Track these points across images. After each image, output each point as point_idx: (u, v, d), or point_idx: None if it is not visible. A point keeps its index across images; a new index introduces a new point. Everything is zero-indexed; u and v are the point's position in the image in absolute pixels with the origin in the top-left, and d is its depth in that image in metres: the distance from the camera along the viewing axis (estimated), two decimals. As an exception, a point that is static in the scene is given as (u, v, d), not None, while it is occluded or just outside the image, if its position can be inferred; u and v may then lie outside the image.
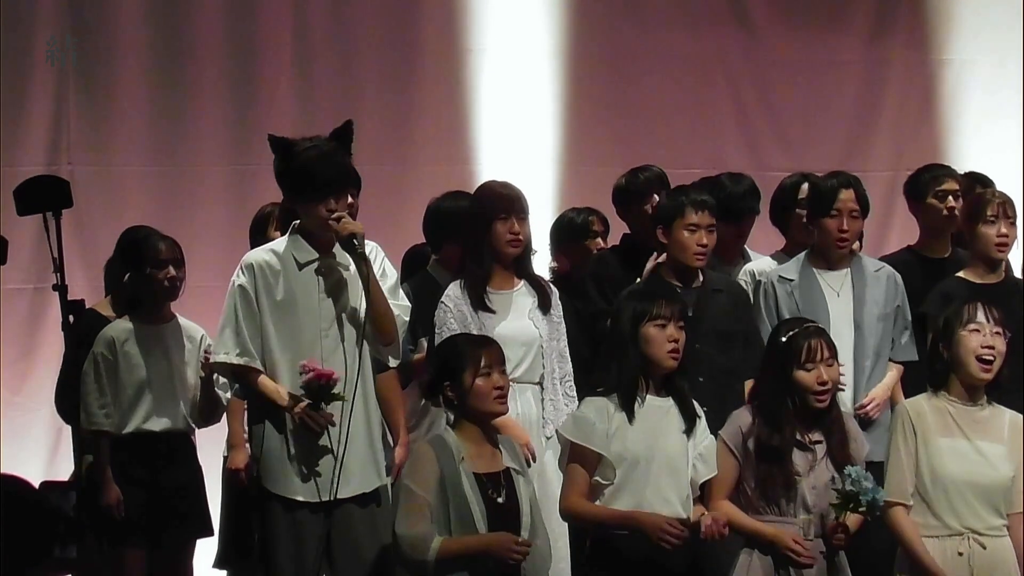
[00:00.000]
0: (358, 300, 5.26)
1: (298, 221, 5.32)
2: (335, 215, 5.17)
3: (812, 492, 5.04)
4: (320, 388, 5.10)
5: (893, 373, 6.03)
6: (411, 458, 5.02)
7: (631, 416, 4.98)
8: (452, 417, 5.04)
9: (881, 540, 5.25)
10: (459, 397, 4.96)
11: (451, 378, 4.97)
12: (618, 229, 6.74)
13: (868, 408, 5.90)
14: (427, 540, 4.79)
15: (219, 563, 6.39)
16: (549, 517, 5.18)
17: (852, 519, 5.00)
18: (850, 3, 8.73)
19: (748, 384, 5.74)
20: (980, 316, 5.25)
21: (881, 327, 6.00)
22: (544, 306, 5.74)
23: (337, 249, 5.28)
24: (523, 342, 5.66)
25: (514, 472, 4.97)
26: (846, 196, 6.00)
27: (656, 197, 6.20)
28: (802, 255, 6.10)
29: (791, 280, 6.00)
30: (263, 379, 5.21)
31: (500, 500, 4.89)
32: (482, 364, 4.94)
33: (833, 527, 5.00)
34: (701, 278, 5.85)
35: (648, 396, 5.03)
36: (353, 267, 5.23)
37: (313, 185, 5.16)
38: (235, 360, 5.20)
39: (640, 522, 4.89)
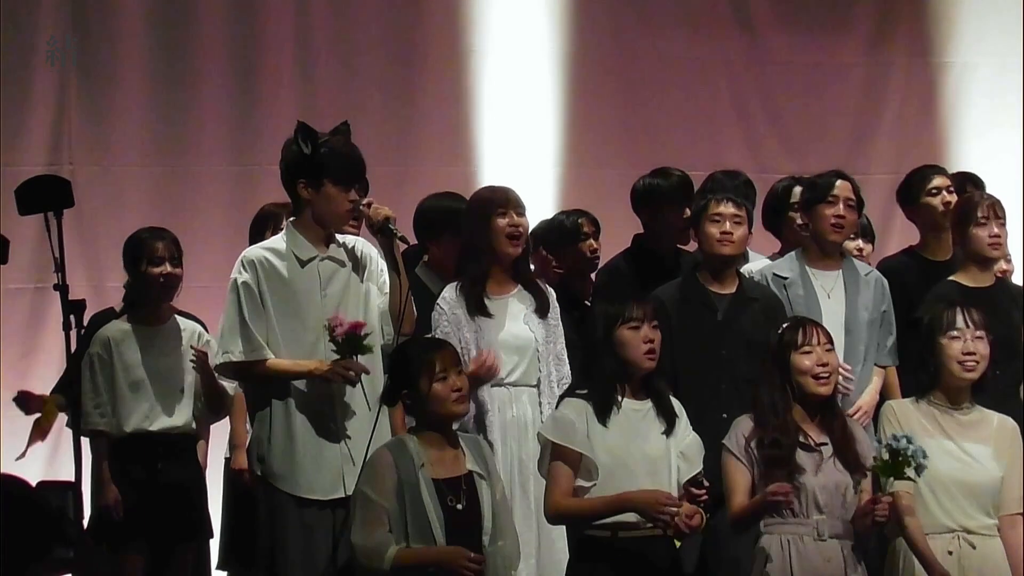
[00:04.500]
0: (359, 297, 5.27)
1: (294, 219, 5.32)
2: (365, 201, 5.22)
3: (823, 492, 5.01)
4: (356, 339, 5.12)
5: (877, 379, 6.04)
6: (369, 464, 4.93)
7: (605, 422, 4.94)
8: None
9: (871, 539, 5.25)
10: (418, 404, 4.92)
11: (408, 385, 4.92)
12: (618, 232, 6.74)
13: (857, 417, 5.88)
14: (382, 549, 4.75)
15: (221, 564, 6.39)
16: (543, 518, 5.17)
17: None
18: (852, 6, 8.74)
19: None
20: (959, 322, 5.26)
21: (869, 331, 6.01)
22: (542, 311, 5.71)
23: (335, 246, 5.29)
24: (517, 347, 5.62)
25: (477, 476, 4.91)
26: (842, 185, 6.04)
27: (688, 211, 6.20)
28: (795, 253, 6.11)
29: (785, 278, 6.01)
30: (272, 361, 5.20)
31: (460, 507, 4.84)
32: (437, 369, 4.88)
33: (873, 500, 4.95)
34: (736, 284, 5.87)
35: (626, 400, 5.00)
36: (350, 264, 5.28)
37: (344, 170, 5.21)
38: (241, 359, 5.20)
39: (634, 501, 4.84)
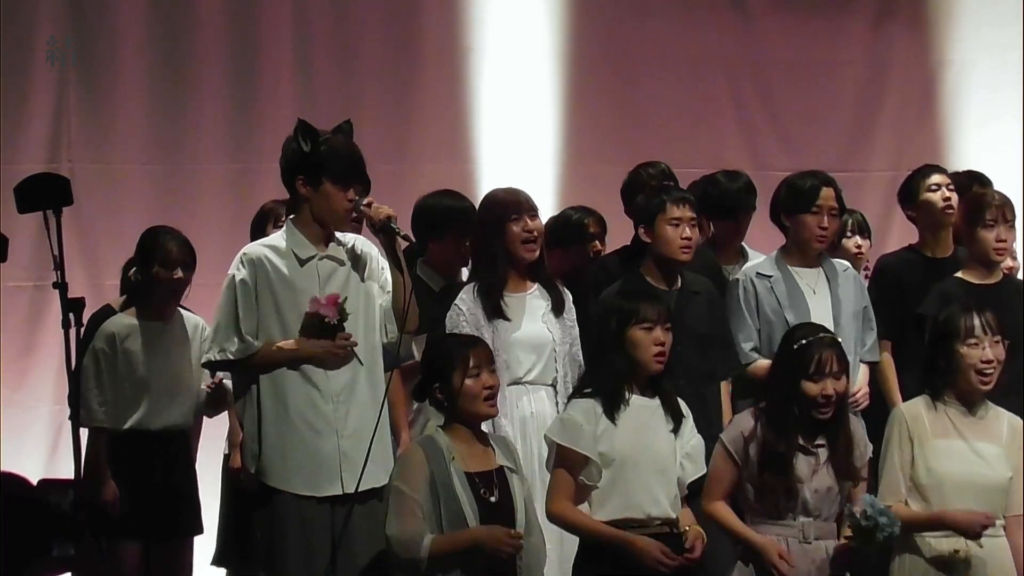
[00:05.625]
0: (358, 295, 5.27)
1: (294, 217, 5.33)
2: (365, 200, 5.22)
3: (814, 496, 5.03)
4: (341, 310, 5.14)
5: (864, 372, 6.08)
6: (400, 459, 4.98)
7: (614, 419, 4.95)
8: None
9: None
10: (448, 399, 4.94)
11: (440, 380, 4.94)
12: (618, 229, 6.74)
13: (857, 397, 5.93)
14: (418, 539, 4.76)
15: (217, 561, 6.38)
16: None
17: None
18: (851, 3, 8.74)
19: (724, 385, 5.80)
20: (978, 329, 5.21)
21: (855, 324, 6.04)
22: (558, 309, 5.73)
23: (334, 245, 5.30)
24: (536, 346, 5.66)
25: (508, 470, 4.94)
26: (827, 194, 6.04)
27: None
28: (775, 253, 6.12)
29: (770, 276, 6.02)
30: (263, 350, 5.19)
31: (493, 499, 4.87)
32: (471, 365, 4.90)
33: (843, 553, 4.99)
34: (680, 280, 5.85)
35: (634, 397, 5.01)
36: (349, 263, 5.27)
37: (343, 169, 5.20)
38: (236, 356, 5.20)
39: (634, 546, 4.85)
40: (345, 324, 5.18)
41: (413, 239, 5.32)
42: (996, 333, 5.23)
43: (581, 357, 5.72)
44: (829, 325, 5.86)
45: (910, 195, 6.51)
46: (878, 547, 4.98)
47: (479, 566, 4.79)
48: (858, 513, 4.91)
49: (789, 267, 6.05)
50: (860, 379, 6.03)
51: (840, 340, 5.86)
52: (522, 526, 4.89)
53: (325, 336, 5.17)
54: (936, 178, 6.43)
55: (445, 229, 6.05)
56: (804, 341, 5.10)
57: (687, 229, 5.77)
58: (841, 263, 6.20)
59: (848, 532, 4.98)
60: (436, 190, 6.33)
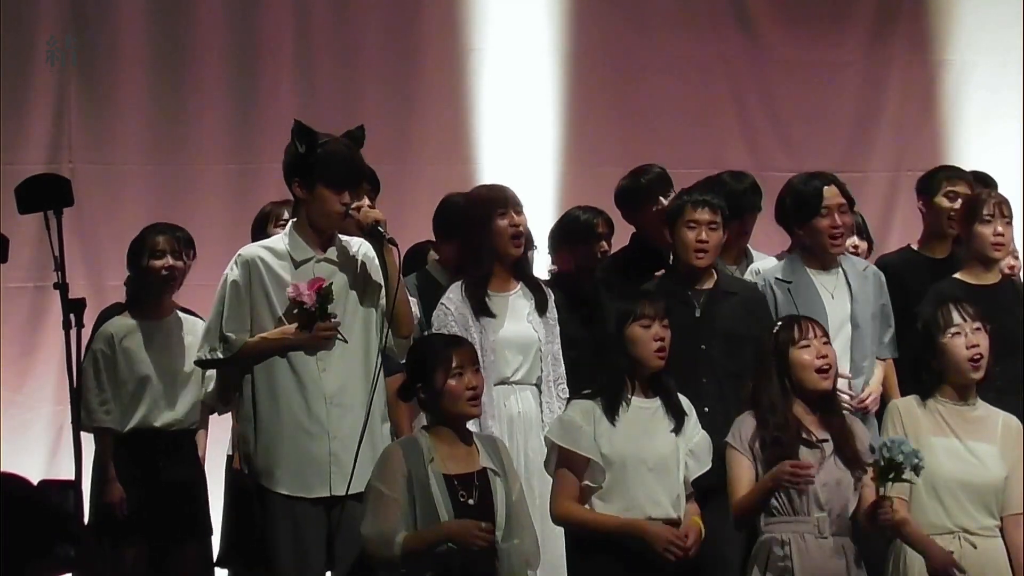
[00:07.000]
0: (357, 299, 5.26)
1: (295, 219, 5.32)
2: (354, 205, 5.21)
3: (823, 489, 5.03)
4: (326, 295, 5.11)
5: (880, 369, 6.04)
6: (380, 459, 4.96)
7: (613, 420, 4.96)
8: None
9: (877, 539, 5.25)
10: (431, 399, 4.93)
11: (423, 380, 4.93)
12: (625, 229, 6.74)
13: (868, 402, 5.92)
14: (391, 536, 4.76)
15: (220, 562, 6.39)
16: (548, 517, 5.17)
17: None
18: (851, 4, 8.74)
19: None
20: (956, 318, 5.26)
21: (873, 325, 6.02)
22: (541, 308, 5.74)
23: (333, 248, 5.29)
24: (522, 345, 5.66)
25: (491, 472, 4.92)
26: (831, 192, 6.00)
27: (663, 200, 6.21)
28: (794, 256, 6.10)
29: (788, 282, 5.99)
30: (251, 340, 5.19)
31: (471, 502, 4.85)
32: (453, 365, 4.90)
33: (876, 503, 4.95)
34: (713, 279, 5.84)
35: (634, 398, 5.03)
36: (349, 267, 5.26)
37: (338, 173, 5.18)
38: (222, 355, 5.21)
39: (644, 533, 4.88)
40: (330, 309, 5.15)
41: (397, 244, 5.29)
42: (976, 320, 5.26)
43: (561, 355, 5.74)
44: (847, 329, 5.89)
45: (928, 190, 6.48)
46: (908, 480, 4.92)
47: (455, 569, 4.78)
48: (881, 450, 4.88)
49: (808, 270, 6.02)
50: (873, 382, 6.00)
51: (857, 341, 5.91)
52: (503, 529, 4.86)
53: (306, 322, 5.16)
54: (958, 187, 6.37)
55: (452, 231, 6.05)
56: (779, 323, 5.20)
57: (704, 232, 5.77)
58: (861, 262, 6.18)
59: (872, 476, 4.92)
60: (464, 192, 6.33)
